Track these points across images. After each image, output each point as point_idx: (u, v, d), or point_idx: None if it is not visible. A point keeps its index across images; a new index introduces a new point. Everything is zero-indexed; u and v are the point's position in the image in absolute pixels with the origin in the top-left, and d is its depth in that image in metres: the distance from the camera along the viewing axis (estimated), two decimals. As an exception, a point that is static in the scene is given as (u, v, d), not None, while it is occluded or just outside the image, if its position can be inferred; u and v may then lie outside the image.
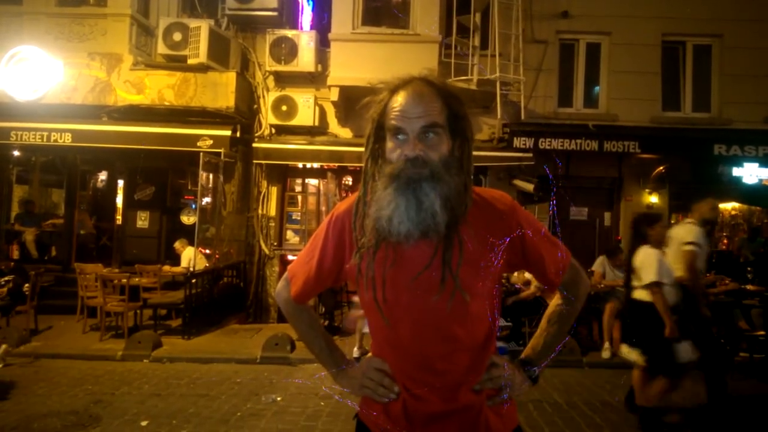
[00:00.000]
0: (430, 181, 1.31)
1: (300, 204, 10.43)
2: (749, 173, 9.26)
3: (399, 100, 1.37)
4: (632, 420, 4.92)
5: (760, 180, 9.25)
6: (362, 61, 8.44)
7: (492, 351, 1.52)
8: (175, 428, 4.67)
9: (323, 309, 8.12)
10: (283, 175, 10.05)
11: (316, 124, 9.30)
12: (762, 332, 6.66)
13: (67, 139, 8.62)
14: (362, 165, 1.45)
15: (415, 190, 1.30)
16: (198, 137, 8.61)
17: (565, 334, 1.60)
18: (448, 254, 1.36)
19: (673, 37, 9.90)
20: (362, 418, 1.57)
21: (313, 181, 10.43)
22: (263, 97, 9.67)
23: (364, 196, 1.42)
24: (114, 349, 6.99)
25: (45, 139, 8.64)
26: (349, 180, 10.25)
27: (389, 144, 1.38)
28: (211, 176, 9.35)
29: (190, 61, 8.78)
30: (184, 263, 8.81)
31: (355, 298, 6.28)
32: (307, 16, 9.93)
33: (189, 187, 10.78)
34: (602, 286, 7.40)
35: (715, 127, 9.59)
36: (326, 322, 8.04)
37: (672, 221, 10.50)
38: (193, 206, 10.12)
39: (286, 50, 9.12)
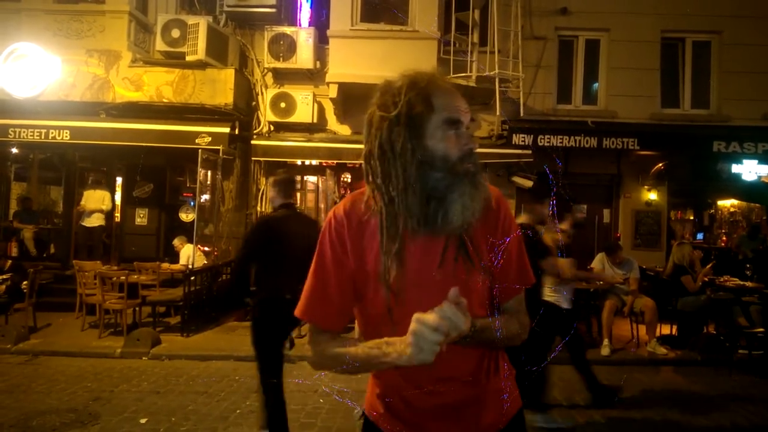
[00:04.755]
0: (482, 172, 1.40)
1: (299, 201, 10.40)
2: (748, 170, 9.26)
3: (446, 93, 1.37)
4: (632, 417, 4.93)
5: (759, 177, 9.25)
6: (361, 57, 8.43)
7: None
8: (174, 425, 4.67)
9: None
10: (281, 172, 10.03)
11: (315, 121, 9.28)
12: (761, 329, 6.66)
13: (65, 137, 8.60)
14: (393, 146, 1.32)
15: (477, 182, 1.36)
16: (196, 134, 8.59)
17: (507, 331, 1.39)
18: (462, 248, 1.37)
19: (672, 34, 9.89)
20: (369, 415, 1.56)
21: (311, 178, 10.43)
22: (262, 94, 9.65)
23: (399, 187, 1.31)
24: (113, 347, 6.98)
25: (43, 137, 8.61)
26: (347, 177, 10.24)
27: (444, 136, 1.33)
28: (209, 173, 9.34)
29: (188, 58, 8.76)
30: (182, 260, 8.82)
31: None
32: (305, 12, 9.90)
33: (187, 185, 10.76)
34: (601, 283, 7.39)
35: (714, 124, 9.57)
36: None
37: (671, 218, 10.54)
38: (192, 203, 10.10)
39: (284, 47, 9.10)
